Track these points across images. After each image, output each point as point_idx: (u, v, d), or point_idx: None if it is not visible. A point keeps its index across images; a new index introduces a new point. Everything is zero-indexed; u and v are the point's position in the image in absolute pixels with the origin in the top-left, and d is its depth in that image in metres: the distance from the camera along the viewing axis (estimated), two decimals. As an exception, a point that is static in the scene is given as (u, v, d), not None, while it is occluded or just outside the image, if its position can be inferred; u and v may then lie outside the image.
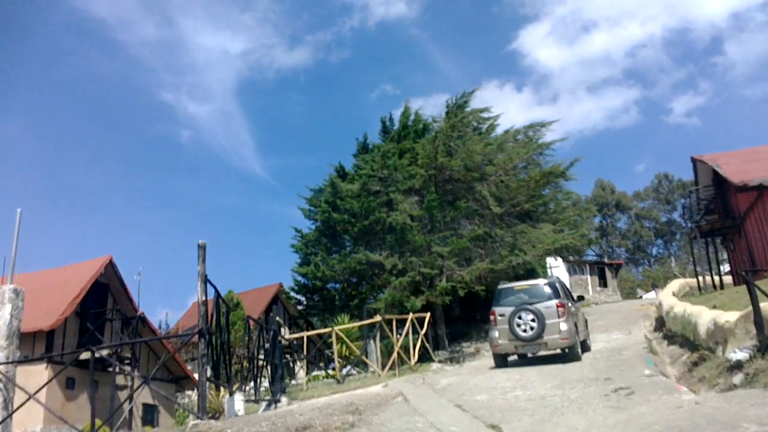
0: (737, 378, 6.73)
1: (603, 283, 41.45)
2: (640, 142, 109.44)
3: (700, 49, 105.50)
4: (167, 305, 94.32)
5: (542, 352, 12.15)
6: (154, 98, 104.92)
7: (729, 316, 8.15)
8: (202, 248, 7.99)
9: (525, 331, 11.73)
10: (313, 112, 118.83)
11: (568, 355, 11.76)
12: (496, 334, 12.24)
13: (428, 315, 15.86)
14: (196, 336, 7.72)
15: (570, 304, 12.42)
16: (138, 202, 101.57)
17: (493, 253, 19.57)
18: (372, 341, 14.97)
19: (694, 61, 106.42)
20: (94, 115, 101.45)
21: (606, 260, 51.18)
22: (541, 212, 22.76)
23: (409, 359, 14.12)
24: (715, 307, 10.68)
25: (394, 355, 13.81)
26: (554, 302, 11.88)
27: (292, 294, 24.01)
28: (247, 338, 10.63)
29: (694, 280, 21.94)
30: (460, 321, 24.52)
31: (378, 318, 13.95)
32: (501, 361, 12.60)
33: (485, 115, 22.21)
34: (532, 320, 11.70)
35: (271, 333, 11.71)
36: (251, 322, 12.58)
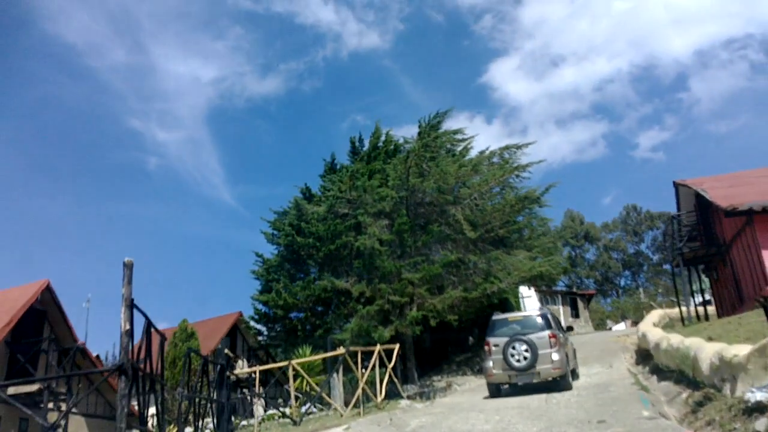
0: (761, 424, 5.68)
1: (575, 314, 40.83)
2: (608, 175, 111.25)
3: (666, 84, 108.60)
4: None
5: (535, 380, 12.13)
6: (122, 125, 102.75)
7: (737, 350, 7.17)
8: (128, 267, 6.66)
9: (519, 361, 11.95)
10: (283, 141, 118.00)
11: (560, 383, 11.88)
12: (491, 363, 12.43)
13: (397, 347, 14.63)
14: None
15: (561, 335, 12.84)
16: (103, 229, 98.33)
17: (467, 280, 18.52)
18: (335, 376, 13.63)
19: (660, 96, 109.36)
20: (59, 140, 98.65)
21: (577, 290, 50.69)
22: (515, 239, 21.93)
23: (376, 396, 12.82)
24: (711, 339, 9.74)
25: (359, 391, 12.46)
26: (546, 333, 12.16)
27: (252, 324, 22.46)
28: (187, 375, 9.20)
29: (674, 310, 21.26)
30: (431, 353, 23.26)
31: (341, 350, 12.63)
32: (495, 390, 12.83)
33: (459, 137, 21.41)
34: (526, 350, 11.92)
35: (218, 368, 10.29)
36: (196, 355, 11.13)
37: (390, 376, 13.86)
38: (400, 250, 18.55)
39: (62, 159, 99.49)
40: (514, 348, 12.00)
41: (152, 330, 7.44)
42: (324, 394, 12.95)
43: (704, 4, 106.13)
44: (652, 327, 15.13)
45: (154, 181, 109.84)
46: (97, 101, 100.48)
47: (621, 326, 49.39)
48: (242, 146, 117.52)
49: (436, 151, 19.67)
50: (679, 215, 18.21)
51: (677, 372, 9.48)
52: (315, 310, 19.98)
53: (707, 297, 21.92)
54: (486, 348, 12.72)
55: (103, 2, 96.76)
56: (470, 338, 29.26)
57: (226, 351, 10.50)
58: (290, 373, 12.00)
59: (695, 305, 18.71)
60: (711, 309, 20.20)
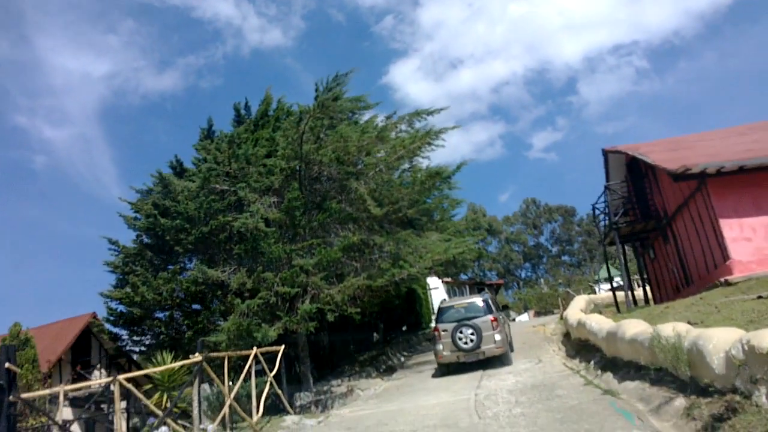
0: None
1: (483, 305, 39.21)
2: (505, 173, 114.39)
3: (558, 88, 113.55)
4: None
5: (480, 358, 13.44)
6: (6, 122, 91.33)
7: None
8: None
9: (466, 343, 13.40)
10: (180, 139, 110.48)
11: (502, 359, 13.56)
12: (441, 347, 13.78)
13: (280, 349, 11.36)
14: None
15: (501, 317, 14.50)
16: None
17: (371, 266, 15.57)
18: (195, 390, 10.13)
19: (552, 98, 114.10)
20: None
21: (485, 281, 49.68)
22: (425, 221, 19.36)
23: (253, 412, 9.56)
24: (692, 324, 7.39)
25: (225, 409, 9.11)
26: (489, 317, 13.64)
27: (108, 326, 18.18)
28: None
29: (598, 296, 19.79)
30: (329, 353, 20.17)
31: (197, 357, 9.17)
32: (445, 369, 14.10)
33: (363, 104, 18.32)
34: (472, 334, 13.38)
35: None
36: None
37: (272, 385, 10.59)
38: (291, 231, 15.27)
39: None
40: (461, 332, 13.43)
41: None
42: (168, 420, 9.39)
43: (594, 10, 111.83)
44: (590, 314, 12.94)
45: (41, 179, 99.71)
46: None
47: (524, 317, 48.98)
48: (136, 144, 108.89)
49: (336, 117, 16.53)
50: (609, 185, 16.25)
51: (654, 370, 6.99)
52: (185, 307, 16.20)
53: (632, 278, 20.40)
54: (436, 333, 14.07)
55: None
56: (375, 334, 26.49)
57: (7, 365, 6.82)
58: (116, 390, 8.37)
59: (629, 289, 16.84)
60: (638, 293, 18.72)
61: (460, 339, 13.38)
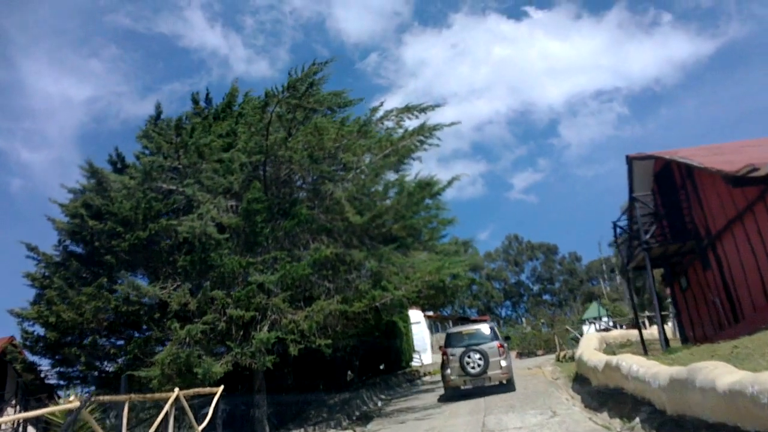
0: None
1: (467, 343, 36.28)
2: (485, 212, 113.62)
3: (540, 129, 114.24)
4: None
5: (486, 384, 13.90)
6: None
7: None
8: None
9: (473, 368, 13.71)
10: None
11: (507, 386, 13.94)
12: (449, 371, 14.13)
13: (217, 391, 8.33)
14: None
15: (506, 345, 14.96)
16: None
17: (347, 287, 12.76)
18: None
19: (534, 139, 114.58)
20: None
21: (469, 317, 46.84)
22: (411, 241, 16.65)
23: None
24: None
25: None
26: (495, 343, 14.13)
27: (27, 353, 14.89)
28: None
29: (612, 333, 17.16)
30: (293, 394, 17.03)
31: (73, 402, 6.15)
32: (452, 392, 14.46)
33: (344, 99, 15.69)
34: (479, 359, 13.70)
35: None
36: None
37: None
38: (251, 238, 12.41)
39: None
40: (469, 357, 13.74)
41: None
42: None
43: (577, 56, 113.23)
44: (623, 355, 10.20)
45: (17, 203, 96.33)
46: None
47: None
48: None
49: (311, 107, 13.86)
50: (638, 197, 13.57)
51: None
52: (118, 331, 13.10)
53: (648, 313, 17.72)
54: (444, 357, 14.46)
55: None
56: (349, 373, 23.32)
57: None
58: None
59: (645, 325, 14.18)
60: (651, 332, 16.01)
61: (468, 364, 13.73)
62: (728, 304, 12.52)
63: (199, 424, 8.81)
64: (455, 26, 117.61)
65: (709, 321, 13.95)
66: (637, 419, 7.71)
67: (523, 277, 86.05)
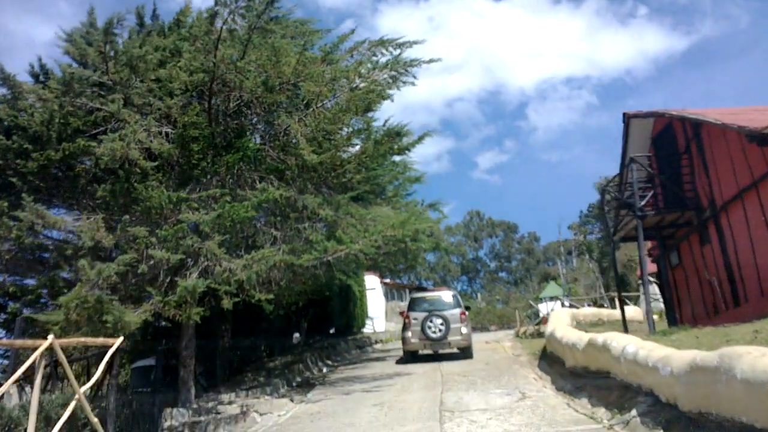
0: None
1: (422, 313, 35.20)
2: (448, 188, 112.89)
3: (509, 111, 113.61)
4: None
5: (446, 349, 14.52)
6: None
7: None
8: None
9: (434, 332, 14.14)
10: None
11: (464, 352, 14.49)
12: (410, 334, 14.52)
13: (115, 344, 6.51)
14: None
15: (467, 313, 15.26)
16: None
17: (297, 237, 11.06)
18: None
19: (503, 120, 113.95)
20: None
21: (429, 288, 45.87)
22: (374, 197, 15.08)
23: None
24: None
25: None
26: (458, 310, 14.64)
27: None
28: None
29: (581, 311, 15.99)
30: (231, 355, 15.40)
31: None
32: (411, 356, 14.78)
33: (312, 28, 13.66)
34: (441, 324, 14.15)
35: None
36: None
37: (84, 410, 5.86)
38: (186, 169, 10.53)
39: None
40: (431, 321, 14.09)
41: None
42: None
43: (553, 40, 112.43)
44: (608, 333, 8.90)
45: None
46: None
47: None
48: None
49: (269, 30, 11.82)
50: (636, 158, 11.96)
51: None
52: (15, 267, 11.09)
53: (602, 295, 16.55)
54: (406, 320, 14.68)
55: None
56: (297, 335, 21.77)
57: None
58: None
59: (607, 305, 12.91)
60: (630, 310, 14.76)
61: (430, 328, 14.01)
62: (728, 285, 11.33)
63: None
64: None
65: (701, 303, 12.77)
66: (634, 411, 6.36)
67: (481, 253, 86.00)
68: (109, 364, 6.30)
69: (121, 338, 6.54)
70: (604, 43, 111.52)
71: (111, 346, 6.19)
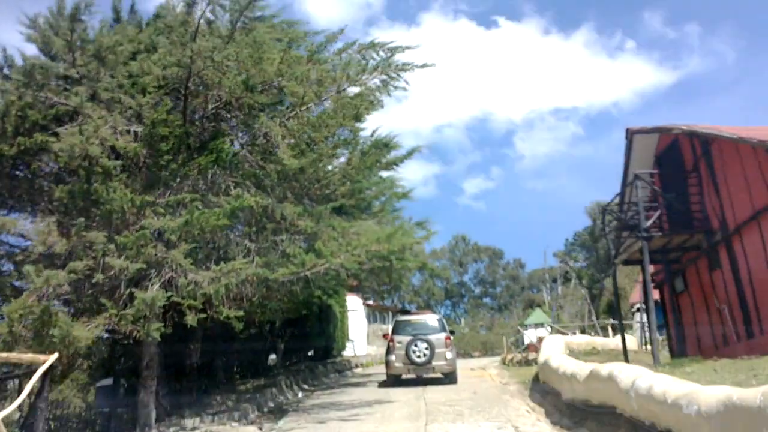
0: None
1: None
2: (434, 213, 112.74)
3: (496, 138, 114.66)
4: None
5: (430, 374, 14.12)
6: None
7: None
8: None
9: (419, 357, 13.80)
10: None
11: (449, 377, 14.09)
12: (393, 358, 14.20)
13: (49, 360, 5.52)
14: None
15: (451, 338, 14.96)
16: None
17: (274, 249, 10.19)
18: None
19: (490, 147, 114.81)
20: None
21: (414, 310, 44.95)
22: (360, 210, 14.35)
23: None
24: None
25: None
26: (443, 335, 14.32)
27: None
28: None
29: (574, 340, 15.17)
30: (199, 375, 14.30)
31: None
32: (394, 380, 14.39)
33: (300, 29, 12.92)
34: (426, 348, 13.80)
35: None
36: None
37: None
38: (154, 169, 9.64)
39: None
40: (416, 345, 13.84)
41: None
42: None
43: (541, 71, 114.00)
44: (614, 363, 8.07)
45: None
46: None
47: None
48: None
49: (252, 26, 11.09)
50: (640, 174, 11.23)
51: None
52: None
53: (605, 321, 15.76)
54: (390, 344, 14.49)
55: None
56: (273, 356, 20.65)
57: None
58: None
59: (599, 333, 12.11)
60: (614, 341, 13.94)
61: (414, 352, 13.75)
62: (741, 313, 10.53)
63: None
64: (424, 25, 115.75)
65: (709, 333, 11.89)
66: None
67: (466, 278, 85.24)
68: (41, 384, 5.34)
69: (56, 355, 5.59)
70: (592, 75, 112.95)
71: (42, 364, 5.24)
